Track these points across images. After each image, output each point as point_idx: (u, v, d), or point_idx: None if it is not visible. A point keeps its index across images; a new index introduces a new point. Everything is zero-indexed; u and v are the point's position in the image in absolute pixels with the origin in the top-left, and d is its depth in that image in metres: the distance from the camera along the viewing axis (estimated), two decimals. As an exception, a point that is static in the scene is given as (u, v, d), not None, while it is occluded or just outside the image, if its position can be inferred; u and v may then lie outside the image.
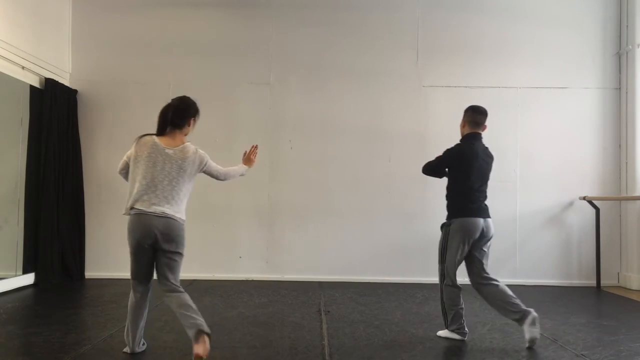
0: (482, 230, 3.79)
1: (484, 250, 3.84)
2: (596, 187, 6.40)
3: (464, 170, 3.85)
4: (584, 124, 6.46)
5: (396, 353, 3.44)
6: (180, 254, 3.28)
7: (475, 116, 3.93)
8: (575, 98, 6.46)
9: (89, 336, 3.77)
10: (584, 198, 6.29)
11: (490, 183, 3.95)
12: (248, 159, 3.86)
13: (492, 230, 3.85)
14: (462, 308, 3.78)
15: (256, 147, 3.93)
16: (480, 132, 3.94)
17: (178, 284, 3.24)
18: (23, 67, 5.62)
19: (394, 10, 6.52)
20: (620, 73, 6.46)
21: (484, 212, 3.84)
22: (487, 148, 3.96)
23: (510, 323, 4.26)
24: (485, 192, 3.92)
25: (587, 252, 6.33)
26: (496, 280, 3.77)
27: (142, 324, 3.33)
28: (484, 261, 3.82)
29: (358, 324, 4.19)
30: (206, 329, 3.03)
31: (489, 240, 3.84)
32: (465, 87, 6.41)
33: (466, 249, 3.78)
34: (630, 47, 6.28)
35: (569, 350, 3.54)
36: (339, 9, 6.53)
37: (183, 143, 3.33)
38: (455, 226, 3.81)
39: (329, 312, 4.63)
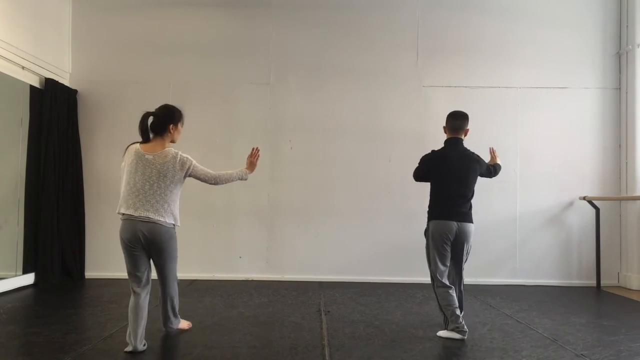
0: (456, 233, 3.80)
1: (461, 255, 3.88)
2: (596, 187, 6.40)
3: (436, 175, 3.92)
4: (584, 124, 6.46)
5: (396, 353, 3.44)
6: (166, 258, 3.45)
7: (452, 122, 3.98)
8: (575, 98, 6.46)
9: (89, 336, 3.76)
10: (584, 198, 6.29)
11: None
12: (251, 163, 3.87)
13: (468, 236, 3.84)
14: (457, 307, 3.79)
15: (258, 149, 3.92)
16: (460, 136, 3.97)
17: (167, 283, 3.54)
18: (23, 67, 5.62)
19: (394, 10, 6.52)
20: (620, 73, 6.46)
21: (459, 216, 3.82)
22: (466, 150, 3.95)
23: (510, 323, 4.28)
24: (466, 196, 3.88)
25: (587, 252, 6.33)
26: (454, 286, 3.91)
27: (144, 323, 3.37)
28: (458, 265, 3.91)
29: (358, 324, 4.19)
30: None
31: (463, 244, 3.84)
32: (466, 87, 6.41)
33: (446, 249, 3.83)
34: (630, 47, 6.28)
35: (569, 350, 3.54)
36: (339, 9, 6.53)
37: (164, 148, 3.45)
38: (429, 229, 3.91)
39: (329, 312, 4.63)
